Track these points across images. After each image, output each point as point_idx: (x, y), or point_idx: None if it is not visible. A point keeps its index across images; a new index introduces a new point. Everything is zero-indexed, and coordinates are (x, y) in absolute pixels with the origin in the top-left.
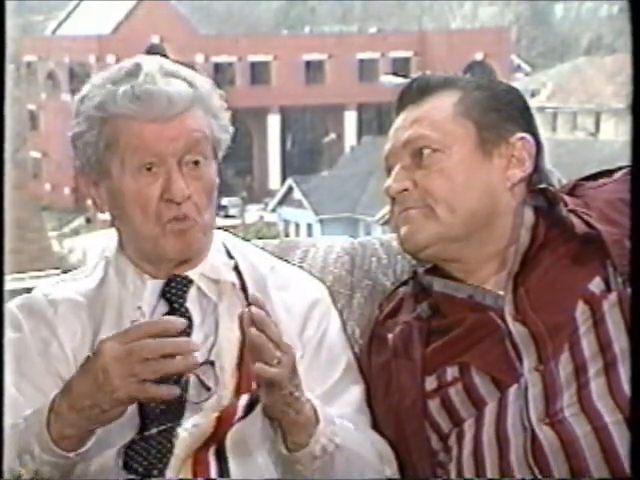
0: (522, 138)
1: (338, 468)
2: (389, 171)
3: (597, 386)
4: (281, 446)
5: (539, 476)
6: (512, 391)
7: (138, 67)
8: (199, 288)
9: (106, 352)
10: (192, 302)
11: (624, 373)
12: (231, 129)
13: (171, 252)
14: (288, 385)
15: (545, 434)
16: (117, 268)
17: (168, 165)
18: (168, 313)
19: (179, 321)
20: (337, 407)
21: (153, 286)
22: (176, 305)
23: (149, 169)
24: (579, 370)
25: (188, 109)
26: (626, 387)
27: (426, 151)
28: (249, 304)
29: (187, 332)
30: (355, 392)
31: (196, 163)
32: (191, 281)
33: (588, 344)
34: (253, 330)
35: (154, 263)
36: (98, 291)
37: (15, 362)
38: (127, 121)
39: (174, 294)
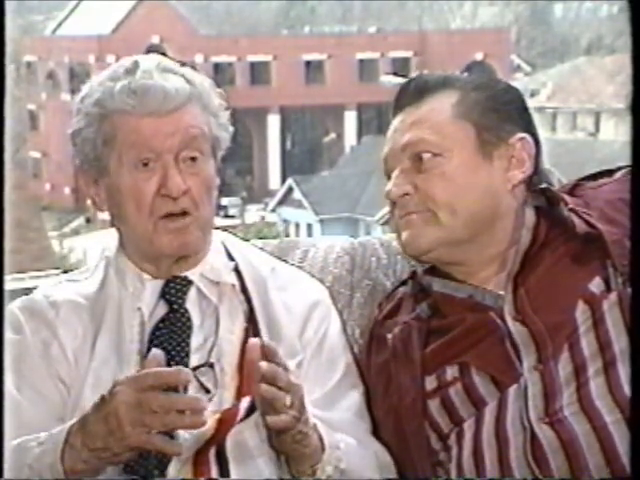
0: (522, 139)
1: None
2: (388, 174)
3: (596, 385)
4: (286, 473)
5: (539, 475)
6: (512, 391)
7: (136, 64)
8: (199, 289)
9: (119, 397)
10: (192, 303)
11: (624, 372)
12: (231, 128)
13: (167, 249)
14: (297, 425)
15: (544, 433)
16: (117, 268)
17: (164, 160)
18: (168, 314)
19: (185, 374)
20: (337, 411)
21: (153, 287)
22: (175, 306)
23: (146, 164)
24: (579, 369)
25: (185, 105)
26: (625, 386)
27: (426, 155)
28: (250, 311)
29: (188, 333)
30: (355, 396)
31: (193, 159)
32: (191, 282)
33: (588, 344)
34: (264, 386)
35: (152, 261)
36: (99, 292)
37: (16, 364)
38: (124, 116)
39: (174, 294)
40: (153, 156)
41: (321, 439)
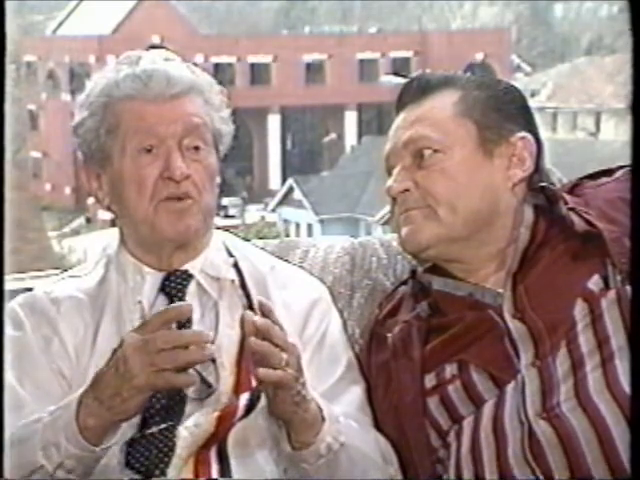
0: (523, 138)
1: (342, 466)
2: (390, 171)
3: (594, 380)
4: (286, 445)
5: (537, 471)
6: (510, 388)
7: (139, 56)
8: (199, 284)
9: (127, 342)
10: (191, 297)
11: (621, 368)
12: (232, 125)
13: (169, 232)
14: (295, 385)
15: (542, 428)
16: (118, 265)
17: (167, 146)
18: None
19: (187, 306)
20: (339, 405)
21: (153, 280)
22: (175, 299)
23: (149, 150)
24: (576, 366)
25: (188, 93)
26: (623, 381)
27: (427, 151)
28: (250, 307)
29: (187, 326)
30: (356, 391)
31: (196, 148)
32: (191, 275)
33: (586, 341)
34: (253, 339)
35: (154, 251)
36: (99, 288)
37: (17, 360)
38: (128, 103)
39: (173, 288)
40: (156, 142)
41: (320, 410)
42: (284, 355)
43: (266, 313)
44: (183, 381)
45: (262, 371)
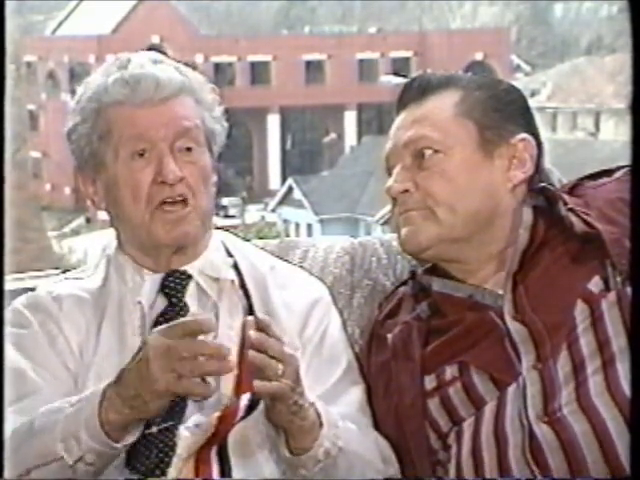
0: (523, 139)
1: (340, 471)
2: (390, 171)
3: (595, 384)
4: (284, 450)
5: (537, 474)
6: (511, 390)
7: (129, 60)
8: (198, 284)
9: (150, 344)
10: (191, 297)
11: (622, 371)
12: (226, 123)
13: (165, 239)
14: (292, 395)
15: (543, 432)
16: (117, 266)
17: (159, 149)
18: (167, 308)
19: (209, 321)
20: (338, 406)
21: (152, 281)
22: (174, 300)
23: (141, 155)
24: (577, 368)
25: (177, 95)
26: (624, 384)
27: (427, 152)
28: (250, 308)
29: None
30: (356, 391)
31: (189, 149)
32: (190, 276)
33: (586, 343)
34: (252, 352)
35: (151, 254)
36: (101, 288)
37: (29, 352)
38: (118, 109)
39: (173, 288)
40: (148, 146)
41: (319, 415)
42: (280, 366)
43: (264, 328)
44: (201, 390)
45: (257, 383)
